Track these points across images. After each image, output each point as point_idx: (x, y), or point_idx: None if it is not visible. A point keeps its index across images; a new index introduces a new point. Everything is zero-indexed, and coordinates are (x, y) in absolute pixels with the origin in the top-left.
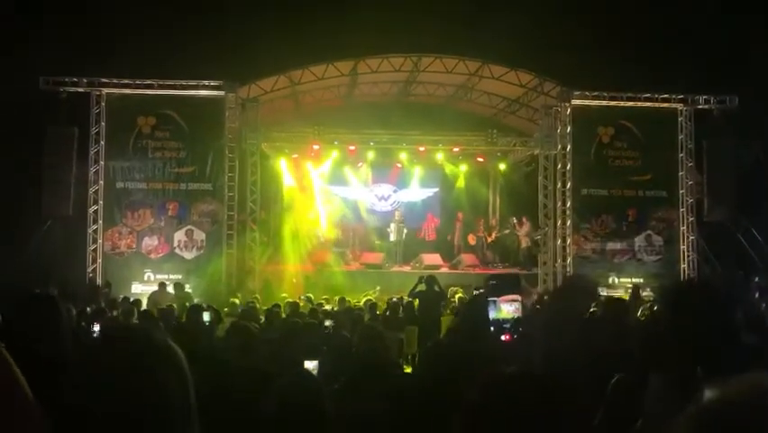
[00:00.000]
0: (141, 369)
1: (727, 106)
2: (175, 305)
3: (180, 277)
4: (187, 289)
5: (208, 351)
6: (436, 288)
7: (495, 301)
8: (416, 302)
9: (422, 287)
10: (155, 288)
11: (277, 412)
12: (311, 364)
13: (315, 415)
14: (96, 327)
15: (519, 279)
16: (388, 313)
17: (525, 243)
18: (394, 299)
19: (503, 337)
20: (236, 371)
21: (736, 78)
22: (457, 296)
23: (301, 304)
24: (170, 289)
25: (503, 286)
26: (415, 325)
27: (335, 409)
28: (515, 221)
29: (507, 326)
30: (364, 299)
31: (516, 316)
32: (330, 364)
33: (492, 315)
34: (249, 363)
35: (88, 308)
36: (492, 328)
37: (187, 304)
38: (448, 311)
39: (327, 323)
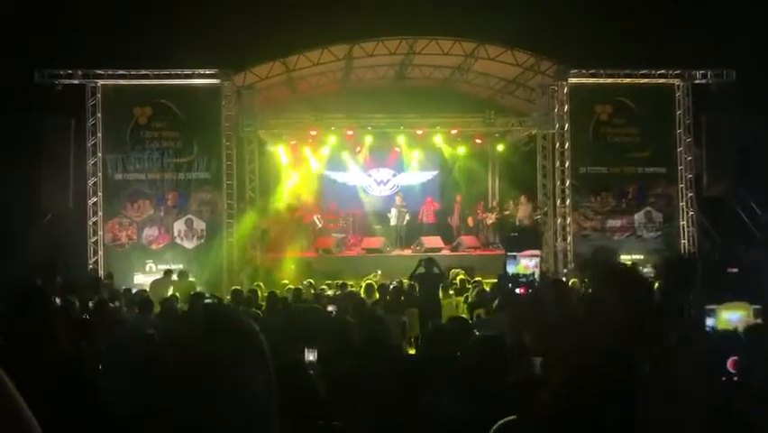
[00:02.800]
0: (222, 361)
1: (725, 80)
2: (178, 294)
3: (182, 267)
4: (190, 279)
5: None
6: (436, 270)
7: (515, 256)
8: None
9: (421, 269)
10: (157, 278)
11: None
12: (311, 355)
13: (309, 402)
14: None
15: (539, 234)
16: (388, 297)
17: (526, 223)
18: (394, 283)
19: (518, 290)
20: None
21: (734, 51)
22: (458, 278)
23: (303, 290)
24: (175, 277)
25: (523, 240)
26: (415, 307)
27: (340, 393)
28: (512, 204)
29: (524, 280)
30: (365, 284)
31: (536, 272)
32: (333, 349)
33: (512, 269)
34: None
35: (90, 302)
36: (510, 284)
37: (192, 293)
38: (451, 292)
39: (330, 308)
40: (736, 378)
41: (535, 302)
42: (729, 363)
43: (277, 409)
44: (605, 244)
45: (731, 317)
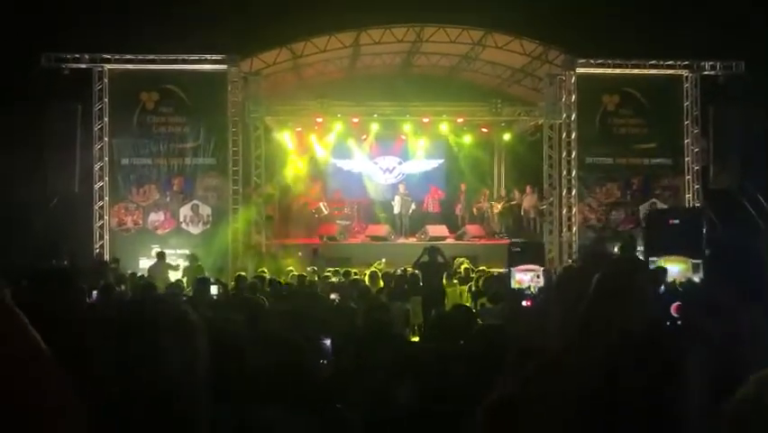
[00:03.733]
0: (141, 338)
1: (734, 72)
2: (185, 278)
3: (187, 252)
4: (199, 263)
5: (219, 324)
6: (440, 258)
7: (510, 271)
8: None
9: (425, 258)
10: (153, 263)
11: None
12: (316, 341)
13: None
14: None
15: (542, 247)
16: (392, 284)
17: (532, 213)
18: (399, 271)
19: (524, 303)
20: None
21: (743, 43)
22: (463, 266)
23: (307, 277)
24: (171, 260)
25: (523, 254)
26: (419, 296)
27: (343, 379)
28: (517, 193)
29: (528, 292)
30: (369, 271)
31: (532, 285)
32: (337, 336)
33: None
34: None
35: (96, 287)
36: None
37: (198, 276)
38: (455, 281)
39: (333, 296)
40: (679, 321)
41: (545, 314)
42: (673, 308)
43: (205, 387)
44: (598, 237)
45: (671, 269)
